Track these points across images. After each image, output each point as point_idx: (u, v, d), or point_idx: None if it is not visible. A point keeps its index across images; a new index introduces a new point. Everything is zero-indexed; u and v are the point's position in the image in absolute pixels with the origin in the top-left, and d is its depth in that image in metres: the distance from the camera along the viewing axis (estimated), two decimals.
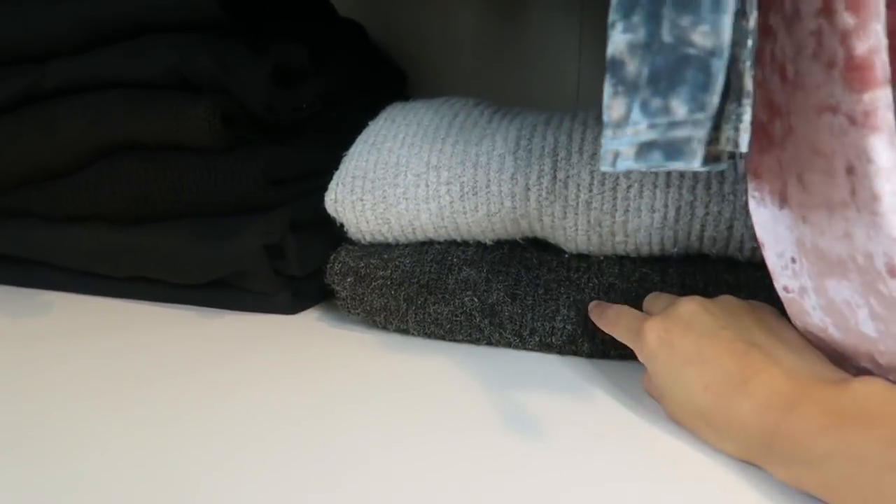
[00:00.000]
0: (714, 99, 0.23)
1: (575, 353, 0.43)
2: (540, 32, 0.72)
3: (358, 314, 0.48)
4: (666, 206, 0.40)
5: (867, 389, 0.26)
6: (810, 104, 0.26)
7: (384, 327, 0.48)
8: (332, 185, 0.48)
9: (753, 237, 0.40)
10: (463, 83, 0.76)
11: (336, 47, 0.62)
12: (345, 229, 0.49)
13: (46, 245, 0.56)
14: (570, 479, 0.29)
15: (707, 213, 0.40)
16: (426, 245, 0.48)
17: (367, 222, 0.47)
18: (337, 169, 0.49)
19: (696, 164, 0.24)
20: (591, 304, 0.42)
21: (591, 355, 0.43)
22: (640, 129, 0.24)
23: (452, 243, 0.47)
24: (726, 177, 0.40)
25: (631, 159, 0.25)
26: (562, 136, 0.43)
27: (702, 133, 0.23)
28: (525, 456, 0.31)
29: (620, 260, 0.43)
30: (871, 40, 0.23)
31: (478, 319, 0.44)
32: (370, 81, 0.68)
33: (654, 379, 0.34)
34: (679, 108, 0.24)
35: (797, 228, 0.28)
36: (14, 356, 0.44)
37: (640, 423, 0.34)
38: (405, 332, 0.47)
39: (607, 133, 0.25)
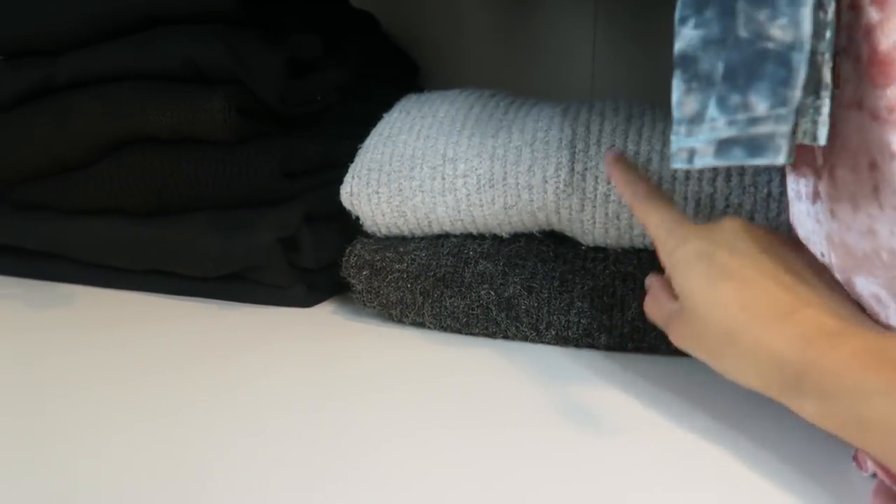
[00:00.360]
0: (796, 93, 0.23)
1: (592, 347, 0.43)
2: (553, 22, 0.72)
3: (374, 307, 0.48)
4: (686, 198, 0.40)
5: None
6: (841, 99, 0.25)
7: (400, 320, 0.48)
8: (347, 178, 0.48)
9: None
10: (475, 74, 0.75)
11: (349, 39, 0.61)
12: (360, 222, 0.49)
13: (61, 238, 0.56)
14: (587, 473, 0.29)
15: (727, 206, 0.40)
16: (442, 238, 0.47)
17: (383, 215, 0.47)
18: (352, 161, 0.49)
19: (780, 160, 0.23)
20: None
21: (608, 348, 0.43)
22: (718, 125, 0.24)
23: (468, 236, 0.47)
24: (746, 169, 0.40)
25: (710, 156, 0.24)
26: (579, 128, 0.43)
27: (785, 128, 0.23)
28: (541, 449, 0.31)
29: (638, 252, 0.43)
30: (895, 35, 0.23)
31: (494, 313, 0.44)
32: (383, 73, 0.67)
33: (681, 291, 0.31)
34: (759, 104, 0.23)
35: (827, 223, 0.28)
36: (27, 346, 0.44)
37: (657, 419, 0.34)
38: (421, 325, 0.47)
39: (680, 130, 0.25)
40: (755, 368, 0.27)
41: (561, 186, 0.42)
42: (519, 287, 0.44)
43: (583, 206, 0.41)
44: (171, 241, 0.52)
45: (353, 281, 0.48)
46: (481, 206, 0.44)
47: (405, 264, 0.46)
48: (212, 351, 0.43)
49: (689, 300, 0.30)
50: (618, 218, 0.41)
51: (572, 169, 0.41)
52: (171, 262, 0.53)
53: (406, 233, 0.48)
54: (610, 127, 0.42)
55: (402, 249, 0.47)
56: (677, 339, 0.31)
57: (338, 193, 0.49)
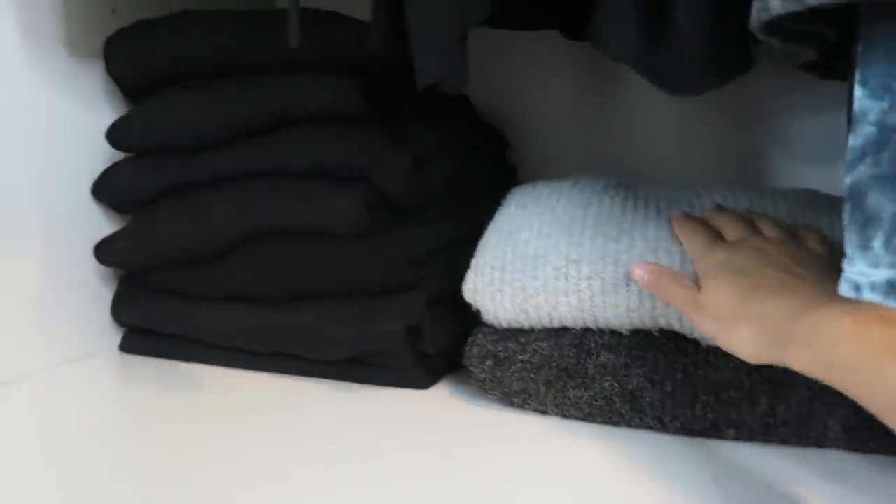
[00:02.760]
0: None
1: (719, 438, 0.45)
2: (638, 99, 0.74)
3: (496, 395, 0.51)
4: None
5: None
6: None
7: (521, 407, 0.51)
8: (469, 275, 0.51)
9: None
10: (560, 149, 0.78)
11: (453, 123, 0.65)
12: (480, 312, 0.52)
13: (192, 321, 0.60)
14: None
15: None
16: (562, 330, 0.50)
17: (505, 311, 0.50)
18: (461, 244, 0.52)
19: None
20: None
21: (736, 439, 0.45)
22: (883, 263, 0.26)
23: (587, 329, 0.49)
24: None
25: (877, 294, 0.26)
26: None
27: None
28: None
29: None
30: None
31: (618, 404, 0.47)
32: (480, 150, 0.71)
33: (705, 276, 0.41)
34: None
35: None
36: (155, 425, 0.48)
37: None
38: (543, 412, 0.50)
39: (849, 260, 0.27)
40: (752, 331, 0.36)
41: None
42: (642, 379, 0.46)
43: None
44: (300, 328, 0.56)
45: (475, 370, 0.51)
46: (605, 307, 0.47)
47: (528, 355, 0.49)
48: (333, 433, 0.47)
49: (708, 282, 0.40)
50: None
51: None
52: (300, 346, 0.57)
53: (526, 326, 0.51)
54: None
55: (523, 340, 0.50)
56: (699, 317, 0.40)
57: (453, 277, 0.52)
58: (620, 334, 0.48)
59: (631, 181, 0.57)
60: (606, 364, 0.47)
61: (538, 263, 0.49)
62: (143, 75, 0.61)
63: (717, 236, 0.45)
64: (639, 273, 0.45)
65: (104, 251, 0.62)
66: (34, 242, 0.59)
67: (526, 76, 0.78)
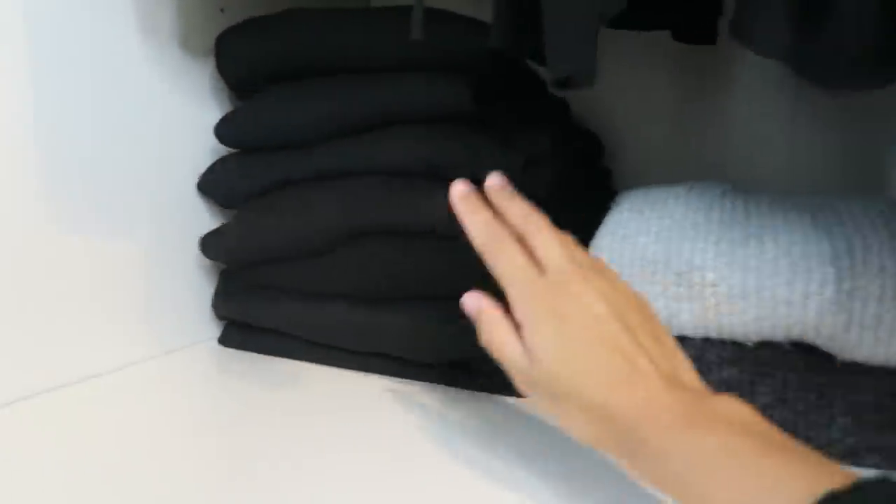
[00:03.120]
0: None
1: (858, 465, 0.42)
2: (745, 104, 0.71)
3: None
4: None
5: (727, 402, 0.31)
6: None
7: None
8: None
9: None
10: (657, 154, 0.76)
11: (555, 127, 0.63)
12: None
13: (294, 318, 0.60)
14: None
15: None
16: (680, 340, 0.48)
17: None
18: None
19: None
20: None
21: (877, 467, 0.41)
22: None
23: (708, 340, 0.47)
24: None
25: None
26: (839, 243, 0.42)
27: None
28: None
29: None
30: None
31: None
32: (577, 155, 0.69)
33: (532, 338, 0.35)
34: None
35: None
36: (247, 419, 0.48)
37: None
38: None
39: None
40: (592, 426, 0.33)
41: (825, 305, 0.41)
42: (770, 398, 0.44)
43: (849, 327, 0.41)
44: (398, 328, 0.55)
45: None
46: (730, 315, 0.44)
47: None
48: (425, 437, 0.46)
49: (541, 355, 0.34)
50: (890, 339, 0.40)
51: (839, 287, 0.41)
52: (399, 347, 0.56)
53: None
54: (877, 246, 0.41)
55: None
56: (524, 386, 0.36)
57: None
58: (744, 347, 0.46)
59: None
60: (730, 380, 0.45)
61: (657, 268, 0.47)
62: (251, 72, 0.62)
63: (531, 254, 0.38)
64: (468, 303, 0.40)
65: (209, 244, 0.62)
66: (142, 234, 0.60)
67: (624, 78, 0.76)
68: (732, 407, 0.31)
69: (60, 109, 0.53)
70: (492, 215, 0.40)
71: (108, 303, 0.57)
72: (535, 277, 0.36)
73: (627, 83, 0.77)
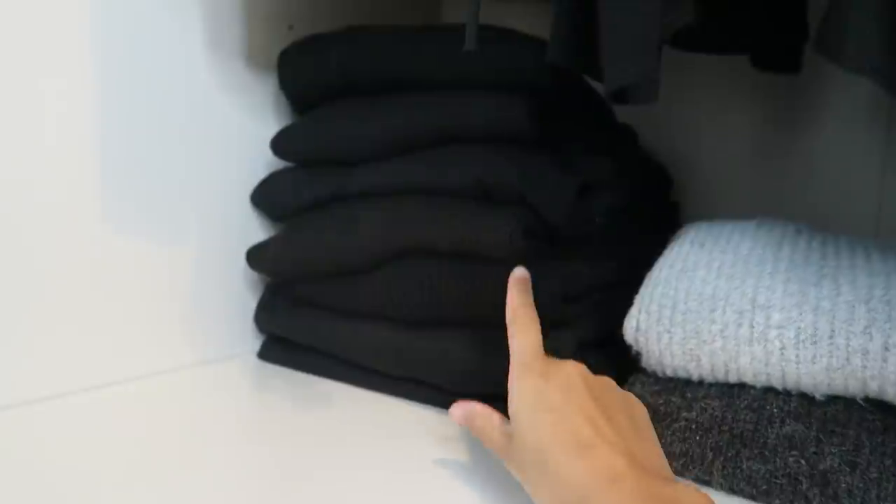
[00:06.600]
0: None
1: None
2: (833, 148, 0.66)
3: None
4: None
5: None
6: None
7: (680, 473, 0.44)
8: (633, 312, 0.46)
9: None
10: (730, 190, 0.71)
11: (619, 155, 0.60)
12: (639, 358, 0.46)
13: (332, 336, 0.58)
14: None
15: None
16: (737, 388, 0.43)
17: (672, 356, 0.44)
18: (620, 286, 0.47)
19: None
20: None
21: None
22: None
23: (770, 389, 0.42)
24: None
25: None
26: None
27: None
28: None
29: None
30: None
31: (805, 487, 0.39)
32: (643, 186, 0.65)
33: (512, 417, 0.36)
34: None
35: None
36: (279, 437, 0.47)
37: None
38: (706, 483, 0.43)
39: None
40: (554, 494, 0.32)
41: None
42: (838, 460, 0.38)
43: None
44: (438, 354, 0.52)
45: None
46: (797, 363, 0.40)
47: (695, 413, 0.43)
48: (454, 469, 0.43)
49: (517, 426, 0.35)
50: None
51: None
52: (436, 373, 0.53)
53: (695, 377, 0.44)
54: None
55: (689, 395, 0.44)
56: (507, 461, 0.37)
57: (608, 321, 0.47)
58: (812, 399, 0.41)
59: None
60: (793, 436, 0.40)
61: (717, 305, 0.42)
62: (311, 88, 0.62)
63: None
64: (456, 413, 0.42)
65: (254, 256, 0.62)
66: (191, 242, 0.60)
67: (697, 108, 0.72)
68: (695, 499, 0.30)
69: (122, 113, 0.54)
70: (531, 301, 0.43)
71: (152, 307, 0.57)
72: (532, 361, 0.38)
73: (703, 111, 0.72)
